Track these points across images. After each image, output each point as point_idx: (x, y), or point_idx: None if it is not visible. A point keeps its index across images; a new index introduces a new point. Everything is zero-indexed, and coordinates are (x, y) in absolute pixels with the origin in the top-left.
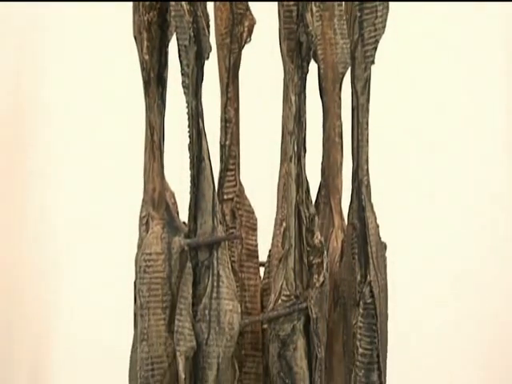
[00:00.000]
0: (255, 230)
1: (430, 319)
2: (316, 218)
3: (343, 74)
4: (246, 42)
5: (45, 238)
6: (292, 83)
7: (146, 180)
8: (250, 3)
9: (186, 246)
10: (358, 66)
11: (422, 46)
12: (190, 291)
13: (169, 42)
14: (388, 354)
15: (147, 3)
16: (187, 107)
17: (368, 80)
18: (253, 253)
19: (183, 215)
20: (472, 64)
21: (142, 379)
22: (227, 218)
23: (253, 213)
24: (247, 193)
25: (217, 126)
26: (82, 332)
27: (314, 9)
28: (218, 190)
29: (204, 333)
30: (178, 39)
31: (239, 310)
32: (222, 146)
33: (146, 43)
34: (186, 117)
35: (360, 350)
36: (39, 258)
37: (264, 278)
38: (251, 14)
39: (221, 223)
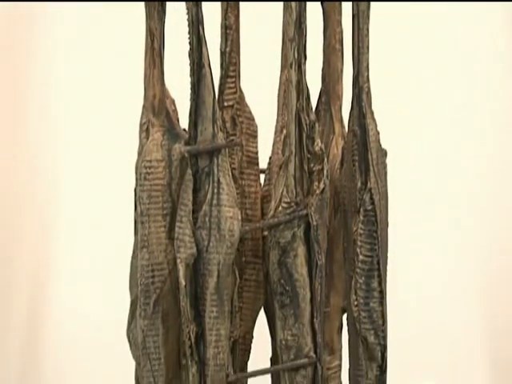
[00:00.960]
0: (255, 137)
1: (429, 221)
2: (316, 124)
3: None
4: None
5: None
6: None
7: (147, 86)
8: None
9: (187, 153)
10: None
11: None
12: (191, 198)
13: None
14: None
15: None
16: (187, 14)
17: None
18: (253, 160)
19: (183, 122)
20: None
21: (142, 286)
22: (227, 124)
23: (253, 120)
24: (247, 100)
25: (217, 32)
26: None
27: None
28: (219, 96)
29: (204, 240)
30: None
31: (239, 217)
32: (223, 53)
33: None
34: (186, 23)
35: (360, 257)
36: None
37: (264, 185)
38: None
39: (221, 130)
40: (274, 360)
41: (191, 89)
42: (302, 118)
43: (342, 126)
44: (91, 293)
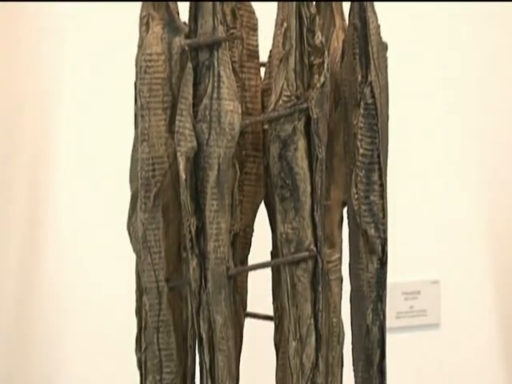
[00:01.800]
0: (256, 30)
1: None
2: (317, 17)
3: None
4: None
5: None
6: None
7: None
8: None
9: (187, 47)
10: None
11: None
12: (191, 91)
13: None
14: None
15: None
16: None
17: None
18: (253, 53)
19: (184, 16)
20: None
21: (142, 180)
22: (228, 18)
23: (253, 13)
24: None
25: None
26: None
27: None
28: None
29: (204, 133)
30: None
31: (240, 111)
32: None
33: None
34: None
35: (361, 151)
36: None
37: (265, 79)
38: None
39: (221, 23)
40: (275, 254)
41: None
42: (303, 11)
43: (343, 19)
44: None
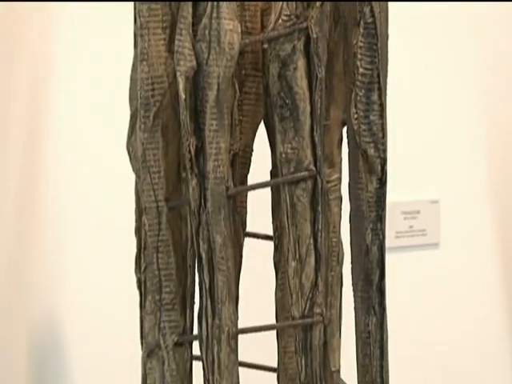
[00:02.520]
0: None
1: None
2: None
3: None
4: None
5: None
6: None
7: None
8: None
9: None
10: None
11: None
12: (190, 11)
13: None
14: None
15: None
16: None
17: None
18: None
19: None
20: None
21: (142, 99)
22: None
23: None
24: None
25: None
26: None
27: None
28: None
29: (204, 53)
30: None
31: (239, 30)
32: None
33: None
34: None
35: (360, 70)
36: None
37: None
38: None
39: None
40: (274, 173)
41: None
42: None
43: None
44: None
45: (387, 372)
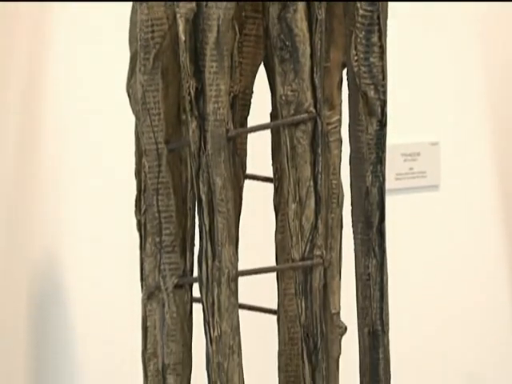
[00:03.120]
0: None
1: None
2: None
3: None
4: None
5: None
6: None
7: None
8: None
9: None
10: None
11: None
12: None
13: None
14: None
15: None
16: None
17: None
18: None
19: None
20: None
21: (141, 41)
22: None
23: None
24: None
25: None
26: None
27: None
28: None
29: None
30: None
31: None
32: None
33: None
34: None
35: (360, 12)
36: None
37: None
38: None
39: None
40: (274, 116)
41: None
42: None
43: None
44: None
45: (387, 314)
